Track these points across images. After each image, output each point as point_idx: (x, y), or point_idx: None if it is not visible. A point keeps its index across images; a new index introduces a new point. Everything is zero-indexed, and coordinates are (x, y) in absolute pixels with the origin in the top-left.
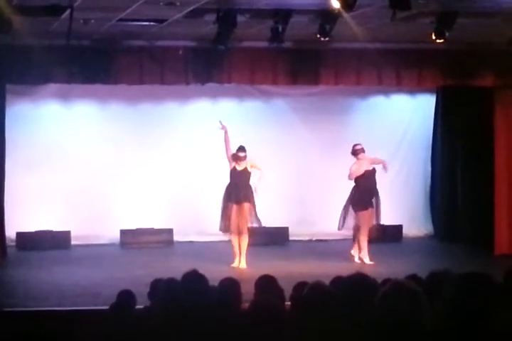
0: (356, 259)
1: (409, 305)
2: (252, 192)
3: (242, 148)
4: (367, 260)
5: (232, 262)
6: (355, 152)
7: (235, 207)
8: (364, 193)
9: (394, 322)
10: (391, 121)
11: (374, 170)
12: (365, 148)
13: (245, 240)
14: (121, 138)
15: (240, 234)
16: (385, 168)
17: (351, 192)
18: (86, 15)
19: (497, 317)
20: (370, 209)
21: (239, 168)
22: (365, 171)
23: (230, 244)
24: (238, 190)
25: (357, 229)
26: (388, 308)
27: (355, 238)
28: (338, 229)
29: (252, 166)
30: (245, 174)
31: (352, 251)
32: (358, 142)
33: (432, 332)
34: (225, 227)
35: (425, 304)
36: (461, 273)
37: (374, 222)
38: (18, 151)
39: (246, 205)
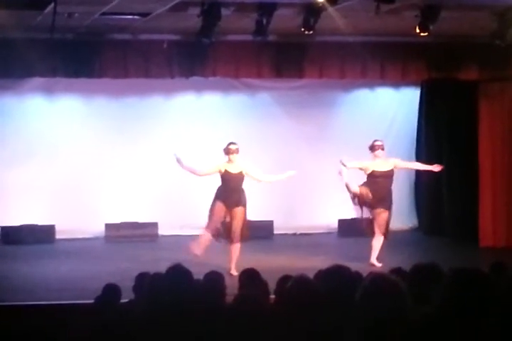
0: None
1: (389, 298)
2: (245, 196)
3: (232, 142)
4: (374, 261)
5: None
6: (374, 148)
7: (223, 208)
8: (376, 193)
9: (375, 315)
10: (376, 114)
11: (392, 171)
12: (384, 146)
13: (237, 248)
14: (105, 132)
15: (231, 241)
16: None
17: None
18: (70, 9)
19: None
20: (380, 209)
21: (233, 170)
22: (383, 172)
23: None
24: (231, 194)
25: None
26: (369, 302)
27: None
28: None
29: (247, 174)
30: (239, 178)
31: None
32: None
33: (415, 324)
34: (208, 226)
35: (406, 296)
36: (456, 269)
37: (384, 222)
38: (2, 145)
39: (240, 210)
